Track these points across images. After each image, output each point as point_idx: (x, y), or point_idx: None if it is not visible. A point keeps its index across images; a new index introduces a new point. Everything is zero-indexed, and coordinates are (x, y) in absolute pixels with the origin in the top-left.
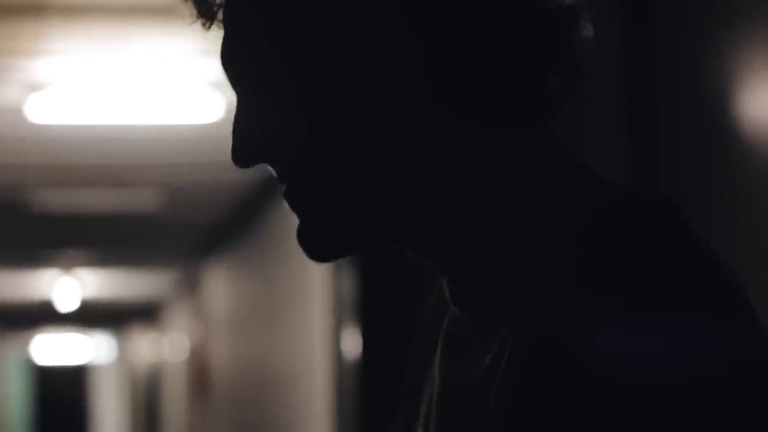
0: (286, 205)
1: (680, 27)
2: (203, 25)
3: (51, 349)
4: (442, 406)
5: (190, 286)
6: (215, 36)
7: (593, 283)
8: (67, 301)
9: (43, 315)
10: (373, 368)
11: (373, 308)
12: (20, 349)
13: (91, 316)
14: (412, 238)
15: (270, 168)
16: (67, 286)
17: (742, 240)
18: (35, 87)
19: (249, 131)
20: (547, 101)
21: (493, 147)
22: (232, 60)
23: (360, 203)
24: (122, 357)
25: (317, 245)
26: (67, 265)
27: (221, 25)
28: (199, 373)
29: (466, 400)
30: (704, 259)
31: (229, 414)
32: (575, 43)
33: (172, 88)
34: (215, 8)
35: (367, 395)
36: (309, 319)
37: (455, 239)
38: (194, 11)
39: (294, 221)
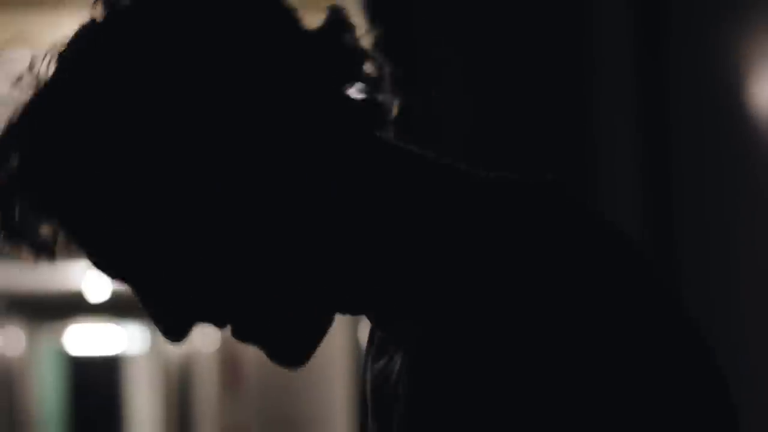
0: None
1: (691, 18)
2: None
3: (84, 339)
4: (374, 398)
5: None
6: None
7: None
8: (98, 292)
9: (74, 306)
10: None
11: None
12: (53, 340)
13: (122, 306)
14: (333, 307)
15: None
16: (97, 277)
17: (756, 231)
18: None
19: (168, 323)
20: (361, 119)
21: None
22: (103, 265)
23: (307, 304)
24: (154, 347)
25: (295, 359)
26: None
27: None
28: (231, 363)
29: (389, 392)
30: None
31: (260, 403)
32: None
33: None
34: (53, 243)
35: None
36: None
37: (365, 285)
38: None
39: None
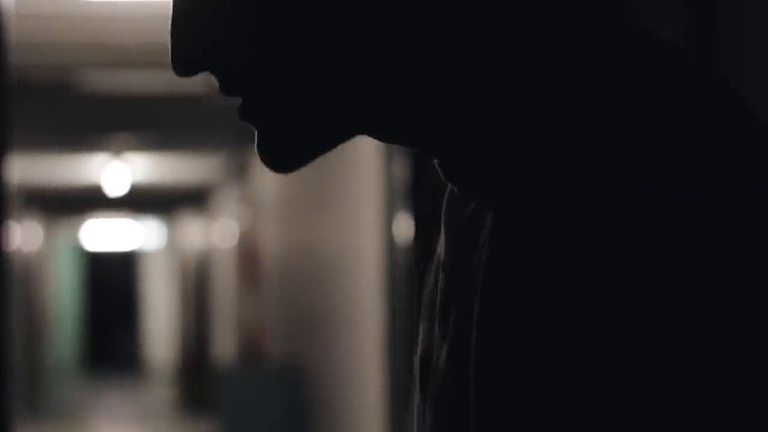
0: None
1: None
2: None
3: (101, 234)
4: (445, 295)
5: (239, 171)
6: None
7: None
8: (116, 186)
9: (92, 200)
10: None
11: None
12: (70, 235)
13: (140, 201)
14: (379, 120)
15: (214, 78)
16: (116, 171)
17: None
18: None
19: (188, 32)
20: None
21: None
22: None
23: (326, 89)
24: (171, 243)
25: (281, 156)
26: (117, 149)
27: None
28: (248, 258)
29: (466, 284)
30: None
31: (279, 298)
32: None
33: None
34: None
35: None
36: (360, 204)
37: (425, 108)
38: None
39: None
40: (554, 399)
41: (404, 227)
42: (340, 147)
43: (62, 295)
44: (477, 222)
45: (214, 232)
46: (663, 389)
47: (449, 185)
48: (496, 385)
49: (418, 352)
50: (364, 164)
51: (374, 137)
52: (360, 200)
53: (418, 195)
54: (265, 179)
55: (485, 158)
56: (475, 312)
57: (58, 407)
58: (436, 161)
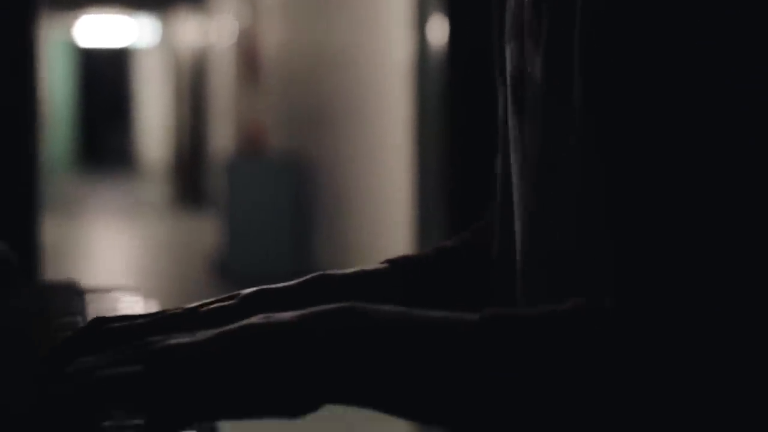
0: None
1: None
2: None
3: (94, 30)
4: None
5: None
6: None
7: None
8: None
9: None
10: (460, 58)
11: None
12: (63, 31)
13: None
14: None
15: None
16: None
17: None
18: None
19: None
20: None
21: None
22: None
23: None
24: (166, 40)
25: None
26: None
27: None
28: (248, 56)
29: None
30: None
31: (281, 95)
32: None
33: None
34: None
35: (454, 87)
36: (381, 3)
37: None
38: None
39: None
40: (668, 57)
41: (438, 30)
42: None
43: (55, 92)
44: None
45: (212, 30)
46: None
47: None
48: (607, 52)
49: (508, 74)
50: None
51: None
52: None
53: None
54: None
55: None
56: None
57: (51, 203)
58: None
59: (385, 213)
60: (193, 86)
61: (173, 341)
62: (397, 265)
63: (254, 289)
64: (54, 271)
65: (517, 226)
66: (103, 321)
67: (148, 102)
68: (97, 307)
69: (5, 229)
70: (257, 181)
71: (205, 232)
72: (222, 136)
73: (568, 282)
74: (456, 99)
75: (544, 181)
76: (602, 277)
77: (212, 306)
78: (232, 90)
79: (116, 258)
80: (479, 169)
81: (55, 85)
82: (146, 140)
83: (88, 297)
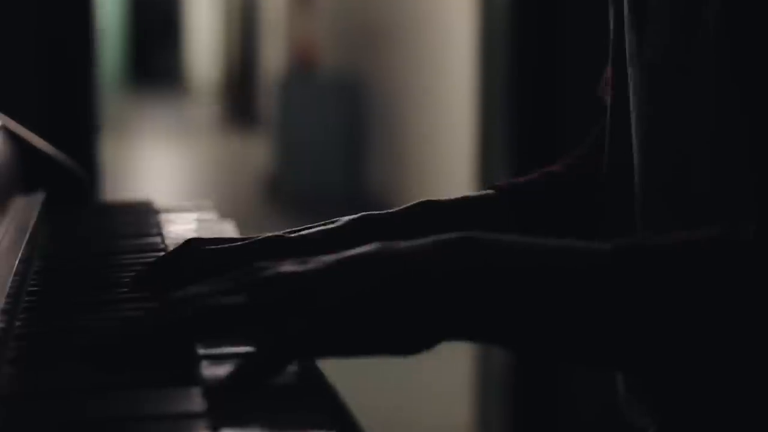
0: None
1: None
2: None
3: None
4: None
5: None
6: None
7: None
8: None
9: None
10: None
11: None
12: None
13: None
14: None
15: None
16: None
17: None
18: None
19: None
20: None
21: None
22: None
23: None
24: None
25: None
26: None
27: None
28: None
29: None
30: None
31: (334, 12)
32: None
33: None
34: None
35: (524, 3)
36: None
37: None
38: None
39: None
40: None
41: None
42: None
43: (107, 11)
44: None
45: None
46: None
47: None
48: None
49: None
50: None
51: None
52: None
53: None
54: None
55: None
56: None
57: (104, 123)
58: None
59: (444, 136)
60: (243, 2)
61: (287, 268)
62: (504, 191)
63: (356, 215)
64: (112, 190)
65: (634, 143)
66: (196, 242)
67: (199, 20)
68: (174, 227)
69: (66, 149)
70: (310, 101)
71: (256, 152)
72: (273, 54)
73: (690, 206)
74: (527, 18)
75: (666, 91)
76: (737, 202)
77: (313, 230)
78: (284, 5)
79: (169, 178)
80: (547, 93)
81: (107, 4)
82: (197, 59)
83: (164, 216)
